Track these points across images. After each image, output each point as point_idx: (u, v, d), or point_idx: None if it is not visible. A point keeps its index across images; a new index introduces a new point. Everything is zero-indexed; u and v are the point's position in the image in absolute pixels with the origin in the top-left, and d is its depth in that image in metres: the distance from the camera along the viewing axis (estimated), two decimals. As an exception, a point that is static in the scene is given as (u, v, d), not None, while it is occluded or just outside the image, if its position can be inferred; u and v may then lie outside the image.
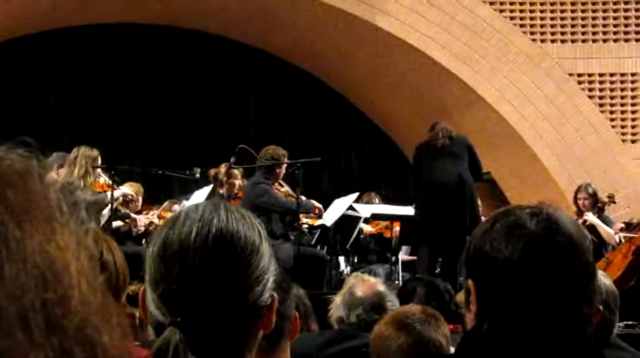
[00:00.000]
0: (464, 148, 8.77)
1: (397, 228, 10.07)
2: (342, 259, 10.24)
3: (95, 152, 8.40)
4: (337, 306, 3.97)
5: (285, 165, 8.92)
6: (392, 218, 10.00)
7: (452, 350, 3.05)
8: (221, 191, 9.51)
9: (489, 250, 1.71)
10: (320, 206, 9.08)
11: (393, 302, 3.95)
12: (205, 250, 1.42)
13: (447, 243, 8.45)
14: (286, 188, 9.07)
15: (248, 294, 1.43)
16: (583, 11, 12.23)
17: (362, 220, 9.84)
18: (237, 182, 9.53)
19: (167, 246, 1.44)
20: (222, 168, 9.55)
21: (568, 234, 1.70)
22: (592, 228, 9.29)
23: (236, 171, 9.51)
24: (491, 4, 12.07)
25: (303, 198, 8.81)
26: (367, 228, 10.50)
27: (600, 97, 12.16)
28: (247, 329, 1.45)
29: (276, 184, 8.93)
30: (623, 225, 9.47)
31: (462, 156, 8.75)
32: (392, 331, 2.89)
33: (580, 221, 9.16)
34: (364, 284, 4.00)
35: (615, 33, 12.21)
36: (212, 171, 9.76)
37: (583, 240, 1.72)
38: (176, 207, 9.58)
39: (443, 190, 8.53)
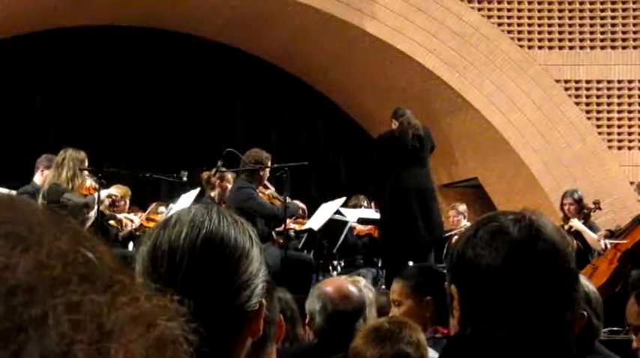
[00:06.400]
0: (429, 149, 8.78)
1: None
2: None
3: (82, 154, 8.38)
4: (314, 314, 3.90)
5: (268, 168, 8.84)
6: (378, 222, 9.98)
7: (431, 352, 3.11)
8: (212, 194, 9.46)
9: (472, 256, 1.72)
10: (304, 206, 9.04)
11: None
12: (193, 251, 1.42)
13: (413, 250, 8.28)
14: (271, 190, 9.00)
15: (235, 298, 1.43)
16: (570, 18, 12.27)
17: (349, 225, 9.82)
18: (229, 185, 9.46)
19: (157, 246, 1.45)
20: (214, 172, 9.50)
21: (550, 240, 1.71)
22: (578, 234, 9.31)
23: (229, 175, 9.42)
24: (479, 10, 12.10)
25: (289, 200, 8.77)
26: (360, 227, 10.44)
27: (587, 104, 12.20)
28: (233, 333, 1.45)
29: (261, 187, 8.87)
30: (606, 232, 9.47)
31: (428, 159, 8.77)
32: (367, 347, 2.97)
33: (566, 227, 9.18)
34: (332, 284, 3.96)
35: (602, 40, 12.26)
36: (204, 175, 9.68)
37: (565, 247, 1.73)
38: (163, 210, 9.56)
39: (414, 198, 8.48)
